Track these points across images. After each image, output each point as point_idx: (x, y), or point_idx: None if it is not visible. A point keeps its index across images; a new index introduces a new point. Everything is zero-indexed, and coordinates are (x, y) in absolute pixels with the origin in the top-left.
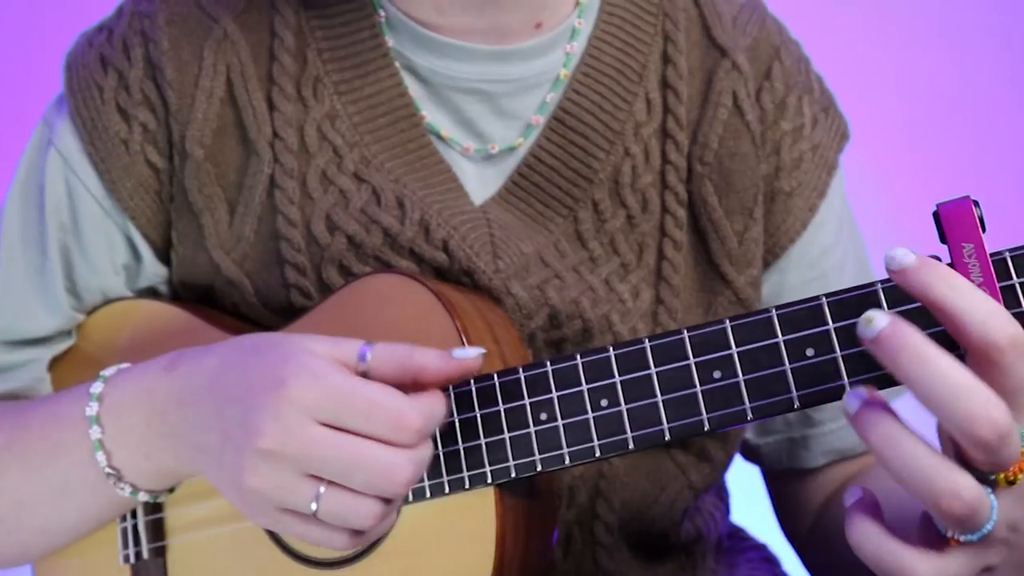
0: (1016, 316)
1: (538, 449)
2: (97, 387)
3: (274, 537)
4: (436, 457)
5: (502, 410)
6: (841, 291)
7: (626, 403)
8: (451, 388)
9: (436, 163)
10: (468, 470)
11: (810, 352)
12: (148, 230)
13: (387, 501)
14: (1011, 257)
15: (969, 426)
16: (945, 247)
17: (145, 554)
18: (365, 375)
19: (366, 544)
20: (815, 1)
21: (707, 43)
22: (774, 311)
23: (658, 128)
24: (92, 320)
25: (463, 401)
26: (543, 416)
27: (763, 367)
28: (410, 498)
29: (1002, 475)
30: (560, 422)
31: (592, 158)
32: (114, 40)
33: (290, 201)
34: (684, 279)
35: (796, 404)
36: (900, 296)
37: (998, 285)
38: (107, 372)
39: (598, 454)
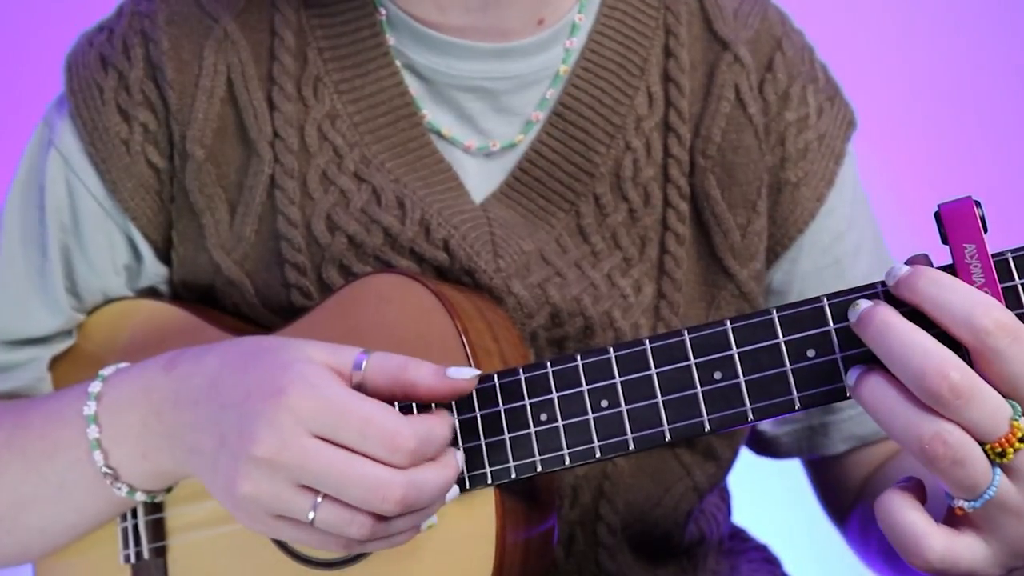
0: (1018, 317)
1: (538, 450)
2: (96, 386)
3: (274, 537)
4: None
5: (502, 411)
6: (842, 292)
7: (627, 404)
8: None
9: (436, 162)
10: (468, 471)
11: (811, 353)
12: (149, 230)
13: (382, 517)
14: (1013, 258)
15: (921, 379)
16: (947, 247)
17: (145, 554)
18: (360, 384)
19: (365, 551)
20: None
21: (709, 36)
22: (775, 312)
23: (660, 122)
24: (93, 319)
25: (463, 402)
26: (543, 417)
27: (764, 368)
28: None
29: (987, 446)
30: (560, 423)
31: (593, 152)
32: (114, 40)
33: (290, 201)
34: (686, 273)
35: (797, 405)
36: None
37: (1000, 286)
38: (106, 371)
39: (598, 455)
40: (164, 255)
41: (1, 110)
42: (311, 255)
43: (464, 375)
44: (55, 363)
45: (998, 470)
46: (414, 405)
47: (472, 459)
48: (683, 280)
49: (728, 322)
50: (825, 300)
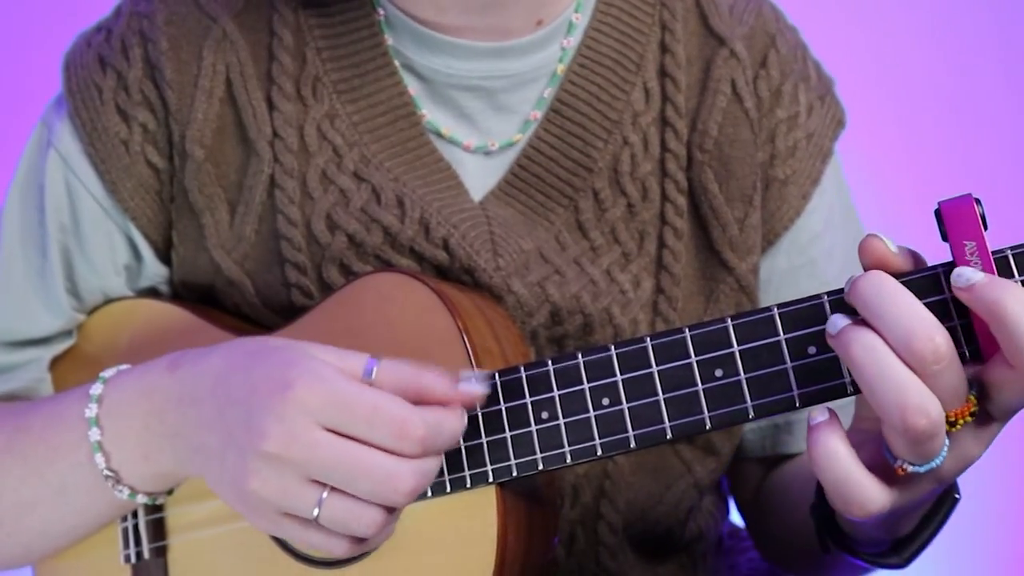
0: None
1: (540, 448)
2: (97, 389)
3: (275, 537)
4: None
5: (503, 409)
6: (842, 290)
7: (628, 402)
8: None
9: (436, 161)
10: (469, 469)
11: (812, 350)
12: (149, 230)
13: (390, 510)
14: (1013, 255)
15: (909, 339)
16: (947, 245)
17: (146, 554)
18: None
19: (366, 551)
20: None
21: (705, 32)
22: (775, 309)
23: (657, 117)
24: (93, 320)
25: None
26: (545, 415)
27: (765, 365)
28: None
29: (945, 415)
30: (562, 421)
31: (591, 147)
32: (113, 40)
33: (290, 201)
34: (685, 267)
35: (798, 403)
36: None
37: None
38: (107, 373)
39: (600, 453)
40: (164, 255)
41: None
42: (311, 254)
43: (477, 389)
44: (55, 363)
45: (947, 442)
46: None
47: (473, 457)
48: (681, 274)
49: (729, 319)
50: (826, 297)
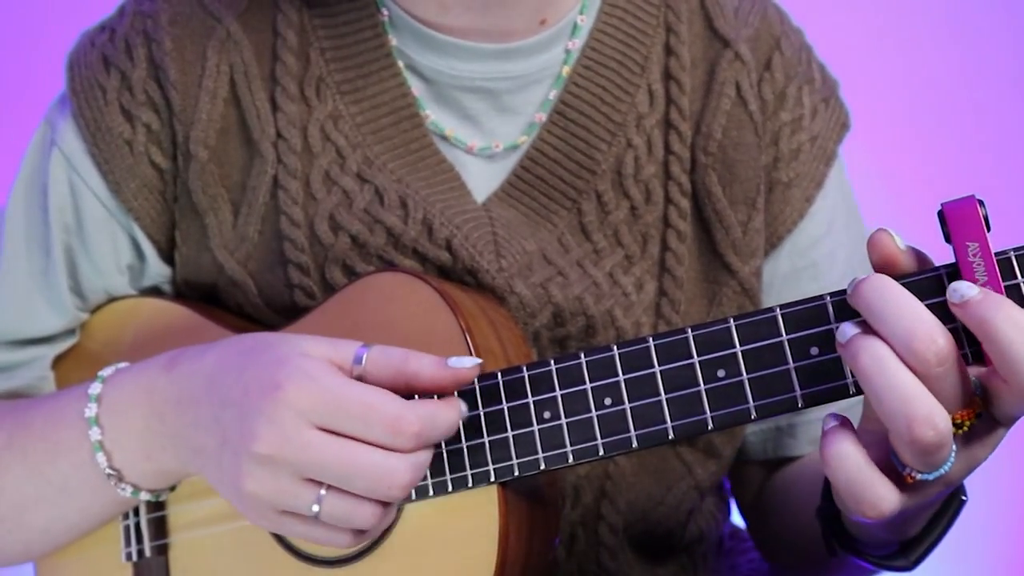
0: None
1: (542, 447)
2: (95, 388)
3: (277, 535)
4: (439, 455)
5: (506, 408)
6: (845, 291)
7: (630, 402)
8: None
9: (439, 162)
10: (471, 468)
11: (814, 351)
12: (152, 230)
13: (387, 504)
14: (1016, 256)
15: (910, 340)
16: (950, 247)
17: (147, 552)
18: (360, 378)
19: (368, 541)
20: None
21: (709, 34)
22: (778, 310)
23: (661, 119)
24: (96, 318)
25: (467, 400)
26: (547, 414)
27: (767, 366)
28: (413, 496)
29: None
30: (564, 420)
31: (594, 150)
32: (116, 40)
33: (294, 201)
34: (688, 270)
35: (800, 403)
36: None
37: (1003, 284)
38: (105, 372)
39: (602, 453)
40: (167, 255)
41: (2, 109)
42: (314, 255)
43: (465, 364)
44: (58, 362)
45: (955, 447)
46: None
47: (476, 456)
48: (684, 277)
49: (731, 320)
50: (828, 298)
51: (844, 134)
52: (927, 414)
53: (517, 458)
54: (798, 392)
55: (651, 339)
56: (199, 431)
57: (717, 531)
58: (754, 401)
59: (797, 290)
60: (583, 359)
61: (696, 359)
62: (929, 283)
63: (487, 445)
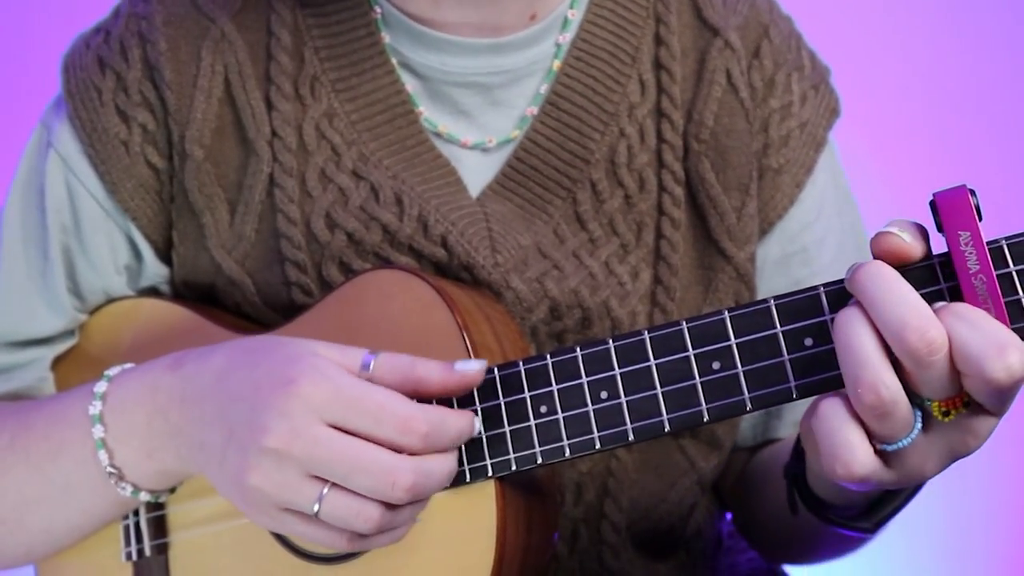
0: (1012, 304)
1: (538, 442)
2: (101, 386)
3: (276, 533)
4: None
5: (502, 403)
6: (839, 281)
7: (626, 395)
8: None
9: (434, 159)
10: (469, 463)
11: (808, 342)
12: (149, 230)
13: (390, 507)
14: (1007, 245)
15: (902, 329)
16: (942, 236)
17: (147, 551)
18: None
19: (367, 548)
20: None
21: (699, 24)
22: (772, 301)
23: (652, 108)
24: (95, 319)
25: (464, 395)
26: (543, 409)
27: (762, 357)
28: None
29: (936, 403)
30: (560, 415)
31: (587, 140)
32: (111, 42)
33: (290, 199)
34: (683, 258)
35: (795, 394)
36: None
37: (995, 273)
38: (111, 371)
39: (598, 446)
40: (165, 255)
41: None
42: (311, 253)
43: (472, 367)
44: (57, 363)
45: (918, 426)
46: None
47: (473, 452)
48: (679, 265)
49: (726, 312)
50: (822, 289)
51: (834, 120)
52: (872, 380)
53: (514, 452)
54: (792, 383)
55: (646, 332)
56: (204, 427)
57: (714, 527)
58: (749, 393)
59: (787, 275)
60: (579, 353)
61: (691, 351)
62: (921, 273)
63: (484, 440)
